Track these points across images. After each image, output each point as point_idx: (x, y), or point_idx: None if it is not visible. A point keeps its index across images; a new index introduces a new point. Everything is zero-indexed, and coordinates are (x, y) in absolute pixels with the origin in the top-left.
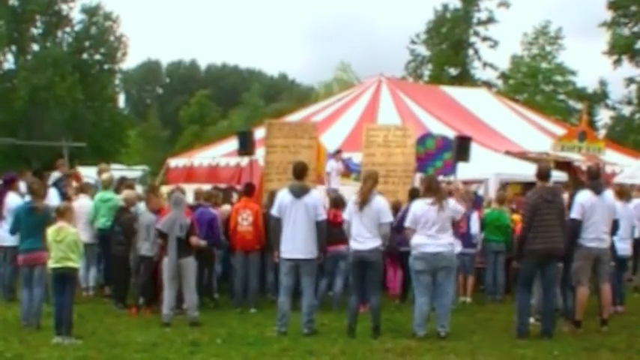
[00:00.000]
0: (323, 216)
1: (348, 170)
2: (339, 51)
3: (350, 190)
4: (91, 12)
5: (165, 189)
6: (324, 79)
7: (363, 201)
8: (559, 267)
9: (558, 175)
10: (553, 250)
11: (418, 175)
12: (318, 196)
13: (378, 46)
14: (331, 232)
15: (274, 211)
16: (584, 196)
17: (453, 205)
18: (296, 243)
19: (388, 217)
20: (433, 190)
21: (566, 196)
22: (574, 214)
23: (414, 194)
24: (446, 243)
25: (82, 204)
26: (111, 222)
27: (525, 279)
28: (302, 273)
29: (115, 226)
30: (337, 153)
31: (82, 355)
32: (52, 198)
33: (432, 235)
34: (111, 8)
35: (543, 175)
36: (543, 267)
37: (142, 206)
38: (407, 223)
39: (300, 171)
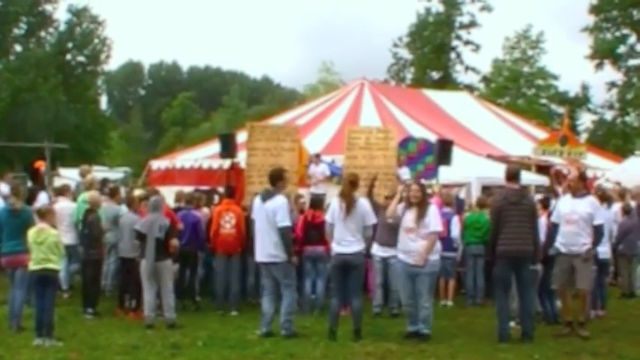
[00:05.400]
0: (284, 222)
1: (331, 173)
2: (323, 54)
3: (332, 193)
4: (77, 13)
5: (138, 192)
6: (309, 82)
7: (349, 205)
8: (535, 270)
9: (540, 179)
10: (520, 251)
11: (404, 171)
12: (281, 201)
13: (364, 49)
14: (309, 232)
15: (252, 214)
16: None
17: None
18: (261, 247)
19: (373, 220)
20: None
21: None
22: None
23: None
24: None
25: (65, 206)
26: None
27: (500, 281)
28: (276, 276)
29: (84, 228)
30: (316, 157)
31: (63, 357)
32: (42, 201)
33: (413, 242)
34: (96, 11)
35: (510, 176)
36: (517, 269)
37: (124, 208)
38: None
39: (273, 177)
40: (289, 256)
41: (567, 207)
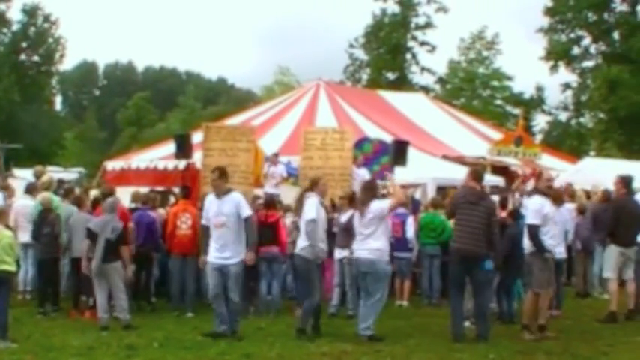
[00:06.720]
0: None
1: (287, 174)
2: (280, 55)
3: (288, 194)
4: (30, 12)
5: (93, 192)
6: (265, 83)
7: (297, 206)
8: (493, 270)
9: (495, 180)
10: (472, 252)
11: (362, 172)
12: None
13: (320, 50)
14: (262, 232)
15: None
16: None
17: (374, 206)
18: None
19: (309, 215)
20: (354, 198)
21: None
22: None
23: (350, 199)
24: (366, 250)
25: (26, 204)
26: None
27: (454, 280)
28: None
29: (42, 227)
30: (274, 157)
31: (18, 358)
32: None
33: (359, 242)
34: (49, 10)
35: (476, 177)
36: (470, 270)
37: (74, 209)
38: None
39: None
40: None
41: (549, 208)
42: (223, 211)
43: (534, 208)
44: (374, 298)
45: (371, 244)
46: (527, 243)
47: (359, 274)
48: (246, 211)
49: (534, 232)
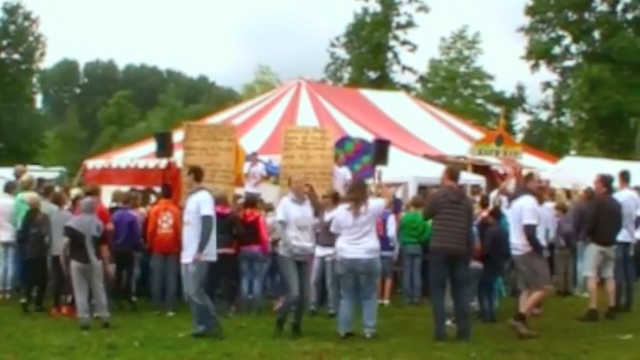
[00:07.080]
0: None
1: (268, 173)
2: (261, 54)
3: (269, 192)
4: (11, 10)
5: (75, 191)
6: (246, 81)
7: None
8: (475, 269)
9: (476, 179)
10: (452, 250)
11: (343, 170)
12: None
13: (301, 48)
14: (243, 231)
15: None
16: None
17: (372, 204)
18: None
19: (277, 216)
20: (351, 194)
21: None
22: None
23: (334, 198)
24: (363, 249)
25: (7, 202)
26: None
27: (435, 279)
28: None
29: (30, 228)
30: (253, 155)
31: None
32: None
33: (351, 241)
34: (30, 8)
35: (453, 175)
36: (451, 268)
37: (54, 207)
38: (332, 228)
39: None
40: None
41: (538, 207)
42: (189, 210)
43: (530, 207)
44: (373, 295)
45: (367, 244)
46: (524, 242)
47: (347, 273)
48: (205, 210)
49: (532, 231)
